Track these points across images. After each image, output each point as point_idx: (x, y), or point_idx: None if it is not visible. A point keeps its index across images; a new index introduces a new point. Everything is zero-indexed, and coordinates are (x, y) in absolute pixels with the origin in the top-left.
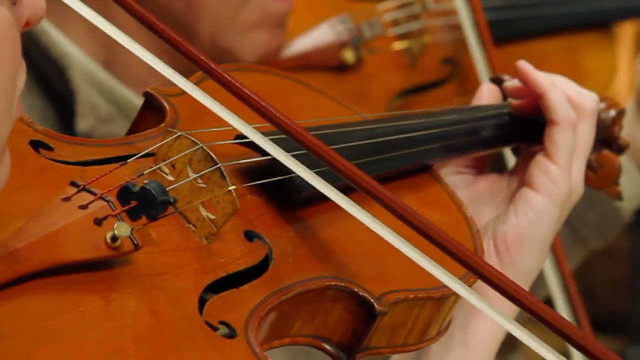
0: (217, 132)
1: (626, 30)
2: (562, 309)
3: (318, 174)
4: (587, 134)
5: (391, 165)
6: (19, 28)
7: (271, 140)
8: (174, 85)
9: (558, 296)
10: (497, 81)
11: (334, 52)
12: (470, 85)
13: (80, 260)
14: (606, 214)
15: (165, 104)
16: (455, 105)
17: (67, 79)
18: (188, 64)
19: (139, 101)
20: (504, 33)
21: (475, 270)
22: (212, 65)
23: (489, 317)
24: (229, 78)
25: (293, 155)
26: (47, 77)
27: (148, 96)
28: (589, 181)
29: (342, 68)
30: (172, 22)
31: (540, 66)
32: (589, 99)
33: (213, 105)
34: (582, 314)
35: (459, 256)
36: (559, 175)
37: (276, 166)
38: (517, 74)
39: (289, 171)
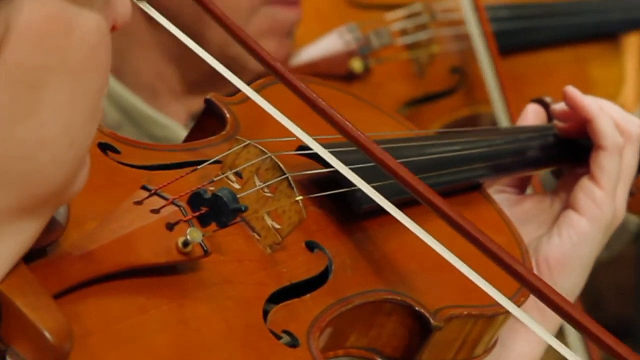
0: (278, 142)
1: (633, 41)
2: None
3: (377, 187)
4: (631, 160)
5: (446, 181)
6: (109, 32)
7: (332, 152)
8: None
9: None
10: (541, 102)
11: (342, 61)
12: (477, 94)
13: (152, 263)
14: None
15: (226, 112)
16: (462, 114)
17: None
18: (200, 73)
19: (146, 108)
20: (512, 43)
21: (532, 286)
22: (282, 70)
23: (525, 336)
24: (305, 87)
25: (353, 168)
26: None
27: (209, 103)
28: (627, 205)
29: (349, 77)
30: (182, 30)
31: (547, 76)
32: (634, 125)
33: (277, 114)
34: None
35: (516, 271)
36: (604, 199)
37: (337, 178)
38: (564, 98)
39: (350, 184)
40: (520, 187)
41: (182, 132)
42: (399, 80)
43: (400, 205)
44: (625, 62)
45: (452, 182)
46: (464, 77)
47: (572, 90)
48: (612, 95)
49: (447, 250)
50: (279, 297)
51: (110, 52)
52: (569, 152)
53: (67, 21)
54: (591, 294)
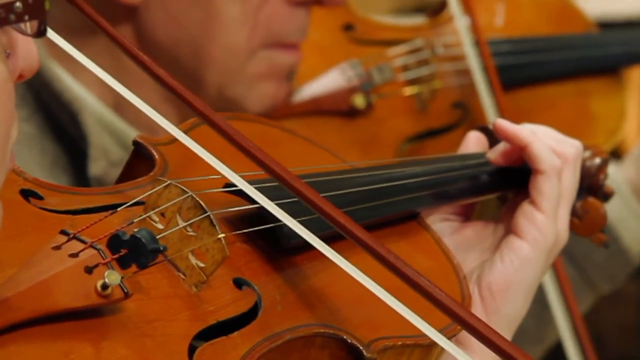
0: (206, 180)
1: (634, 75)
2: (572, 353)
3: (305, 222)
4: (571, 181)
5: (379, 212)
6: (12, 80)
7: (258, 188)
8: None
9: (568, 340)
10: (484, 129)
11: (344, 96)
12: None
13: (71, 308)
14: (614, 257)
15: (154, 152)
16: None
17: (79, 122)
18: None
19: None
20: (513, 78)
21: (459, 319)
22: (206, 112)
23: None
24: (225, 124)
25: (281, 203)
26: (59, 121)
27: (136, 145)
28: (574, 228)
29: (352, 113)
30: (180, 71)
31: (549, 111)
32: (571, 146)
33: (202, 153)
34: (592, 358)
35: (442, 305)
36: (545, 222)
37: (264, 214)
38: (496, 132)
39: (277, 219)
40: (465, 214)
41: None
42: (401, 115)
43: (328, 240)
44: (627, 96)
45: (385, 213)
46: (466, 112)
47: (500, 122)
48: (614, 129)
49: (372, 283)
50: (208, 335)
51: (14, 99)
52: (510, 179)
53: None
54: (593, 332)
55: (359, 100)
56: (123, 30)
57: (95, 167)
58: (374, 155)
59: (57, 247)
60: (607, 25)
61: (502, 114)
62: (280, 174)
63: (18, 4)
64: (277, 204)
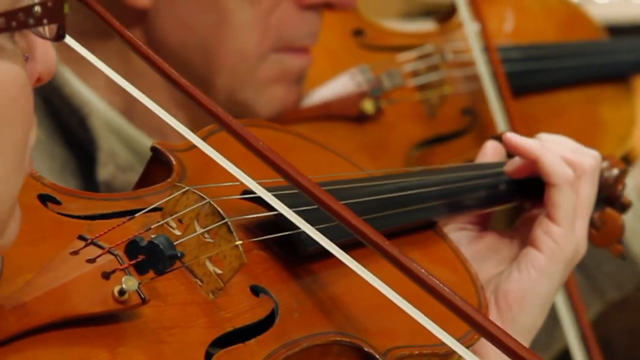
0: (224, 186)
1: None
2: (580, 359)
3: (323, 229)
4: (588, 193)
5: (396, 221)
6: (31, 84)
7: (277, 195)
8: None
9: (576, 346)
10: (499, 139)
11: (354, 102)
12: (488, 135)
13: (88, 313)
14: (624, 266)
15: (172, 159)
16: (474, 155)
17: (88, 127)
18: (205, 117)
19: None
20: (523, 84)
21: (479, 327)
22: (225, 118)
23: None
24: (244, 131)
25: (298, 211)
26: (68, 125)
27: (154, 150)
28: (591, 238)
29: (361, 118)
30: (190, 75)
31: (558, 118)
32: (588, 157)
33: (220, 159)
34: None
35: (462, 313)
36: (562, 235)
37: (282, 221)
38: (506, 145)
39: (294, 226)
40: (482, 224)
41: None
42: (411, 121)
43: (346, 247)
44: (637, 103)
45: (403, 221)
46: (475, 118)
47: (510, 136)
48: (624, 136)
49: (391, 291)
50: (224, 342)
51: (33, 103)
52: (526, 188)
53: None
54: (601, 338)
55: (368, 106)
56: (133, 34)
57: (104, 172)
58: (383, 160)
59: (75, 252)
60: (616, 31)
61: (512, 121)
62: (301, 182)
63: (37, 8)
64: (294, 211)
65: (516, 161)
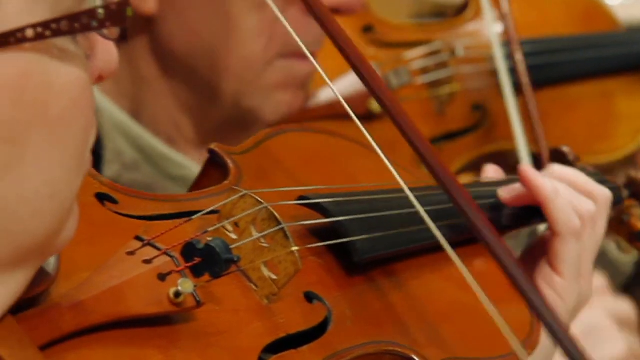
0: (280, 192)
1: None
2: None
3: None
4: (591, 240)
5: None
6: (92, 83)
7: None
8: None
9: None
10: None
11: (361, 100)
12: (498, 131)
13: (143, 314)
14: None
15: (229, 162)
16: (484, 151)
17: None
18: (214, 123)
19: (164, 148)
20: (536, 78)
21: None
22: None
23: None
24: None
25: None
26: None
27: (212, 153)
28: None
29: (368, 117)
30: (196, 81)
31: (572, 111)
32: (588, 204)
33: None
34: None
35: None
36: (564, 287)
37: (338, 228)
38: (519, 177)
39: (350, 234)
40: None
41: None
42: (419, 119)
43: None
44: None
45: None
46: (485, 114)
47: (527, 170)
48: (638, 129)
49: (487, 299)
50: (277, 348)
51: (94, 103)
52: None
53: (44, 76)
54: None
55: (375, 105)
56: (139, 39)
57: (109, 170)
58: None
59: (132, 253)
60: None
61: (525, 115)
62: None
63: (101, 11)
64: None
65: (516, 188)
